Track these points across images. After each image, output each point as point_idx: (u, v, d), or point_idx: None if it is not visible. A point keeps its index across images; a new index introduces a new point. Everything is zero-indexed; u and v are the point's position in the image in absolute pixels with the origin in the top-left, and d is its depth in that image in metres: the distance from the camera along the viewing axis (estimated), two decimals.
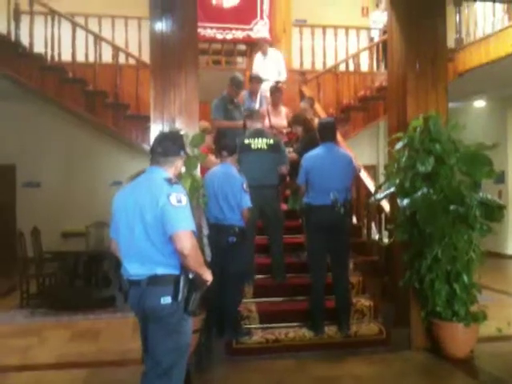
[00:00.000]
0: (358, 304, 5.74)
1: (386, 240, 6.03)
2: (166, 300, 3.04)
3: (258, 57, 8.86)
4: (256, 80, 7.62)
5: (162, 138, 3.39)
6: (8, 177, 10.39)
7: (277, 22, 10.35)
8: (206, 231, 4.88)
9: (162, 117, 5.01)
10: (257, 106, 7.66)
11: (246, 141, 5.87)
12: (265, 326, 5.48)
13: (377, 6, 11.19)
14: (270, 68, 8.55)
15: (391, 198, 5.63)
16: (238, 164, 5.45)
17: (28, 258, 7.53)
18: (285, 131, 7.63)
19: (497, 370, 4.85)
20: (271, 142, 5.96)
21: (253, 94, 7.71)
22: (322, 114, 8.31)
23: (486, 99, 11.40)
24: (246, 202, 5.07)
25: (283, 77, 8.71)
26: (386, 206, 6.14)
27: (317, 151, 5.46)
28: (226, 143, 5.45)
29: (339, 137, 6.88)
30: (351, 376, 4.72)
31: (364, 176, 6.72)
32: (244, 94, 7.55)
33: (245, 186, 5.09)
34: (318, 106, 8.41)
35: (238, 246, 5.09)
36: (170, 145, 3.28)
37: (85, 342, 5.77)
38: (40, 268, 7.64)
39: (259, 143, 5.89)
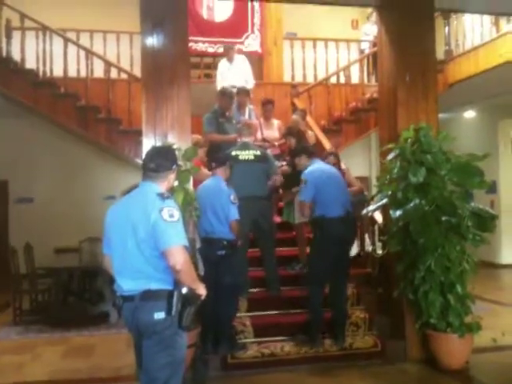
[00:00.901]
0: (353, 316, 5.71)
1: (379, 251, 6.03)
2: (160, 315, 3.02)
3: (223, 63, 8.42)
4: (244, 93, 7.53)
5: (154, 153, 3.38)
6: (0, 192, 10.33)
7: (268, 35, 10.45)
8: (198, 245, 4.87)
9: (154, 131, 5.01)
10: (246, 118, 7.60)
11: (234, 153, 5.90)
12: (260, 339, 5.44)
13: (367, 18, 11.29)
14: (236, 76, 8.19)
15: (384, 210, 5.63)
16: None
17: (21, 274, 7.47)
18: (277, 143, 7.62)
19: (492, 381, 4.86)
20: (258, 152, 6.00)
21: (241, 106, 7.56)
22: (314, 127, 8.34)
23: (477, 110, 11.47)
24: (234, 214, 5.07)
25: (250, 85, 8.34)
26: (379, 217, 6.15)
27: (316, 166, 5.52)
28: (215, 155, 5.58)
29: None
30: None
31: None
32: (232, 107, 7.50)
33: (232, 197, 5.09)
34: (309, 119, 8.44)
35: (229, 259, 5.07)
36: (161, 160, 3.27)
37: (79, 359, 5.73)
38: (33, 284, 7.57)
39: (246, 154, 5.93)
